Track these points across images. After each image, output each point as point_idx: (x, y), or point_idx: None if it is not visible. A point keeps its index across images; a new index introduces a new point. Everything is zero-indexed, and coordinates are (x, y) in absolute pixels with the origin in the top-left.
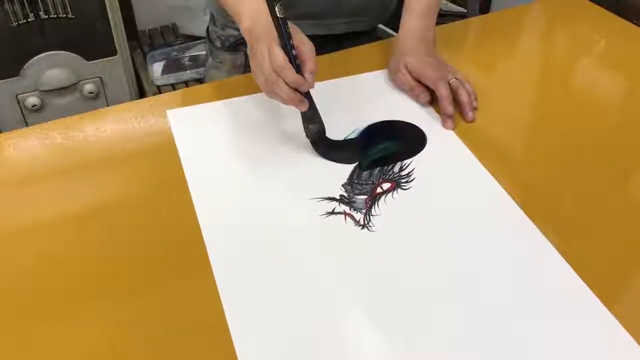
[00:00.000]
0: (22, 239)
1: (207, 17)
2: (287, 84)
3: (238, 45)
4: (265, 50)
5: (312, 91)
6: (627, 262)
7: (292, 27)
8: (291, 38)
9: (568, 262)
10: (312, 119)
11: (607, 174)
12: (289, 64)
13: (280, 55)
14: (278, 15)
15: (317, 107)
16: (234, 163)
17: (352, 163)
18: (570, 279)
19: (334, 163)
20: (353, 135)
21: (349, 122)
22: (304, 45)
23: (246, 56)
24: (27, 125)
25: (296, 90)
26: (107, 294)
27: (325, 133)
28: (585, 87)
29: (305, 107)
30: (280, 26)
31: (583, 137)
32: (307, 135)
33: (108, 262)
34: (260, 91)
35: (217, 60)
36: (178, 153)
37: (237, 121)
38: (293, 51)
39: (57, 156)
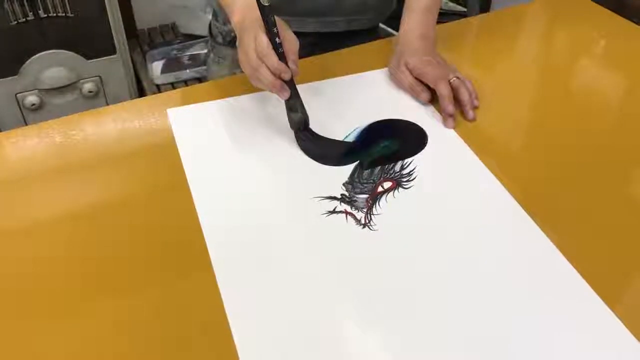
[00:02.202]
0: (22, 238)
1: (207, 16)
2: (270, 70)
3: None
4: (252, 39)
5: (314, 89)
6: (627, 261)
7: (279, 22)
8: (276, 26)
9: (569, 261)
10: (294, 108)
11: (608, 172)
12: (272, 51)
13: (264, 41)
14: (263, 3)
15: (319, 103)
16: (235, 162)
17: (329, 165)
18: (571, 277)
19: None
20: (354, 134)
21: (350, 121)
22: (288, 41)
23: None
24: (26, 124)
25: (279, 78)
26: (107, 294)
27: (308, 124)
28: (585, 86)
29: (286, 95)
30: (265, 14)
31: (583, 135)
32: (291, 125)
33: (108, 262)
34: (262, 90)
35: (219, 55)
36: (178, 152)
37: (237, 120)
38: (277, 39)
39: (57, 155)
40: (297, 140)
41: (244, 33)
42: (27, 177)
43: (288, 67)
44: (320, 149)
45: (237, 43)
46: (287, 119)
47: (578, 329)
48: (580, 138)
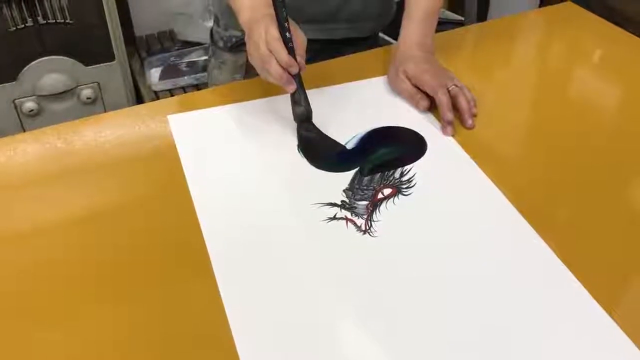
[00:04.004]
0: (21, 244)
1: (205, 24)
2: (279, 63)
3: (240, 45)
4: (263, 31)
5: (314, 95)
6: (624, 266)
7: (290, 21)
8: (287, 21)
9: (566, 266)
10: (299, 101)
11: (605, 179)
12: (282, 44)
13: (275, 35)
14: None
15: (319, 110)
16: (235, 168)
17: (324, 167)
18: (568, 282)
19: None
20: (354, 141)
21: (350, 128)
22: (296, 36)
23: (248, 57)
24: (24, 130)
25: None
26: (107, 297)
27: (311, 117)
28: (581, 94)
29: (292, 88)
30: (278, 8)
31: (580, 143)
32: (294, 118)
33: (108, 268)
34: (262, 97)
35: (220, 60)
36: (179, 158)
37: (238, 126)
38: (288, 34)
39: (55, 161)
40: (299, 133)
41: (254, 27)
42: (25, 183)
43: (296, 61)
44: (320, 144)
45: (245, 38)
46: (288, 125)
47: (576, 334)
48: (577, 145)
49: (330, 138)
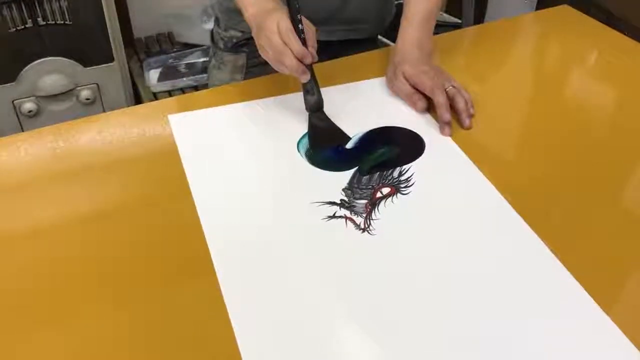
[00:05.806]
0: (21, 243)
1: (203, 26)
2: (293, 55)
3: (240, 46)
4: (275, 24)
5: None
6: (621, 265)
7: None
8: (300, 13)
9: (564, 265)
10: (311, 91)
11: (601, 180)
12: (295, 36)
13: (288, 25)
14: None
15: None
16: (236, 167)
17: (320, 158)
18: (566, 280)
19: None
20: (353, 140)
21: (349, 128)
22: (307, 26)
23: (247, 58)
24: (22, 131)
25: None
26: (108, 297)
27: (322, 106)
28: (578, 96)
29: (307, 78)
30: (291, 0)
31: (577, 142)
32: (306, 107)
33: (110, 268)
34: (261, 97)
35: (220, 61)
36: (180, 158)
37: (238, 126)
38: (300, 25)
39: (54, 162)
40: (310, 122)
41: (265, 19)
42: (24, 183)
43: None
44: (330, 133)
45: (253, 33)
46: (288, 124)
47: (573, 332)
48: (574, 146)
49: (340, 129)
